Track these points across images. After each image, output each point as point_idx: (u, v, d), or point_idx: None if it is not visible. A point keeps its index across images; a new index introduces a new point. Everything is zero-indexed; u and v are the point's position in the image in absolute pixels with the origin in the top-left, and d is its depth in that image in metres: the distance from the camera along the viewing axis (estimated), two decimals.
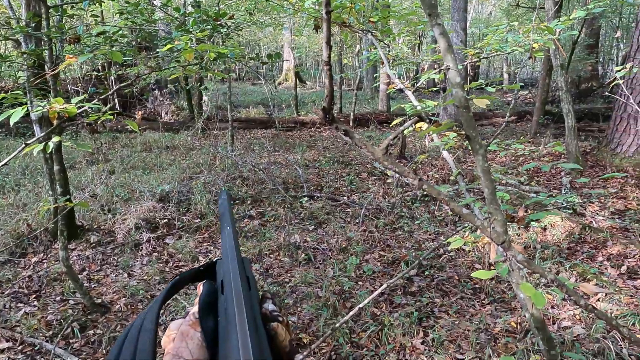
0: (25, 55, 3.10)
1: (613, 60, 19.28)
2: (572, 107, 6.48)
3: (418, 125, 1.75)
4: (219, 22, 2.39)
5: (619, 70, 2.92)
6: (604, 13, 14.32)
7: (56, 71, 1.55)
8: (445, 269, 3.77)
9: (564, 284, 0.97)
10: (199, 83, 9.01)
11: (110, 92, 1.86)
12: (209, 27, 2.48)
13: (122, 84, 2.10)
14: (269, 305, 0.62)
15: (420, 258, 2.60)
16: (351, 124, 11.09)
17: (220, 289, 0.57)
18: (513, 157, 7.51)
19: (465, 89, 1.09)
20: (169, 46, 1.80)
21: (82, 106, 1.35)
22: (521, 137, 9.03)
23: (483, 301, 3.32)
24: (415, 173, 1.08)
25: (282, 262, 3.99)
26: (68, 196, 3.24)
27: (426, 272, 3.70)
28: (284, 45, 22.64)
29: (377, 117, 11.21)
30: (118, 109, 11.60)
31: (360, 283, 3.61)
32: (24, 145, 1.39)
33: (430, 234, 4.54)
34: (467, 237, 1.66)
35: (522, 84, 19.37)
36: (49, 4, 2.73)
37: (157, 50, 3.61)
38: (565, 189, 5.75)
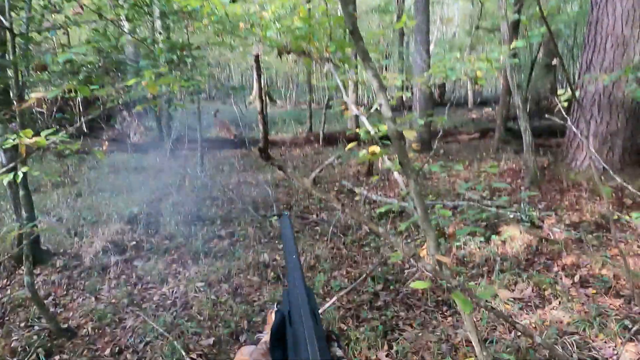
0: None
1: (571, 79, 20.21)
2: (529, 125, 6.80)
3: (371, 149, 1.88)
4: (185, 53, 2.49)
5: (562, 94, 3.16)
6: (559, 34, 15.10)
7: (23, 106, 1.61)
8: (409, 284, 3.90)
9: (469, 289, 1.10)
10: (167, 105, 9.01)
11: (77, 124, 1.92)
12: (175, 56, 2.58)
13: (89, 115, 2.17)
14: (337, 350, 0.66)
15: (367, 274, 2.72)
16: (321, 142, 11.27)
17: (289, 320, 0.60)
18: (476, 173, 7.79)
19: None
20: (134, 80, 1.88)
21: (52, 138, 1.42)
22: (484, 154, 9.38)
23: (445, 313, 3.45)
24: (338, 199, 1.20)
25: (252, 282, 4.05)
26: (34, 222, 3.23)
27: (391, 287, 3.83)
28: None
29: (346, 135, 11.42)
30: (85, 130, 11.45)
31: (327, 299, 3.69)
32: None
33: (395, 249, 4.67)
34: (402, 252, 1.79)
35: (486, 102, 20.00)
36: (15, 32, 2.78)
37: (124, 75, 3.67)
38: (523, 203, 6.01)
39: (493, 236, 4.86)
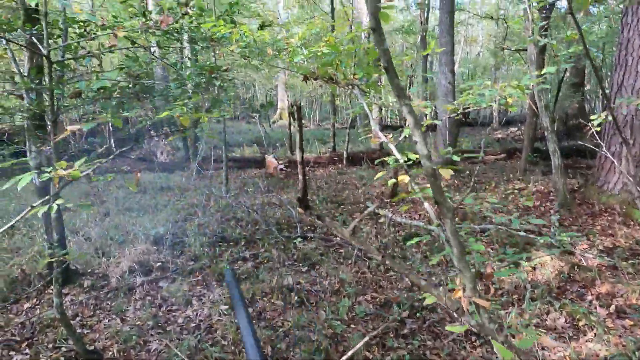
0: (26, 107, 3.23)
1: (599, 98, 19.80)
2: (557, 147, 6.65)
3: (401, 178, 1.85)
4: (213, 75, 2.53)
5: (595, 119, 3.08)
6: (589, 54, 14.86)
7: (58, 138, 1.65)
8: (437, 311, 3.81)
9: (509, 342, 1.05)
10: (194, 127, 9.20)
11: (111, 156, 1.95)
12: (204, 79, 2.62)
13: (124, 149, 2.21)
14: None
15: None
16: (344, 162, 11.27)
17: None
18: (503, 195, 7.63)
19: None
20: (166, 112, 1.92)
21: (85, 170, 1.45)
22: (510, 175, 9.21)
23: (474, 343, 3.35)
24: (379, 250, 1.17)
25: (275, 305, 4.01)
26: (66, 250, 3.29)
27: (418, 314, 3.74)
28: (278, 86, 23.15)
29: (370, 155, 11.39)
30: (114, 149, 11.74)
31: (352, 326, 3.63)
32: (30, 207, 1.48)
33: (422, 274, 4.59)
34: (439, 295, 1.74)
35: (511, 121, 19.73)
36: (52, 59, 2.87)
37: (153, 97, 3.75)
38: (554, 228, 5.84)
39: (523, 262, 4.72)
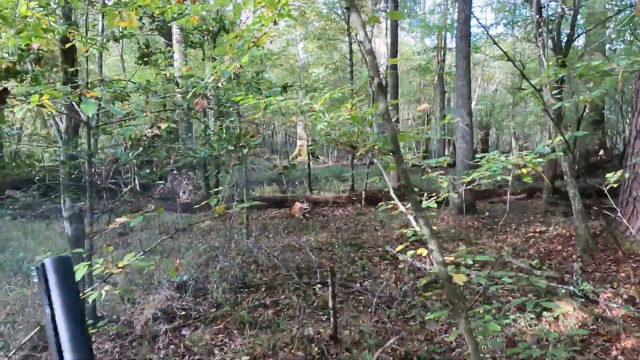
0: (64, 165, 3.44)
1: (620, 134, 19.65)
2: (577, 191, 6.65)
3: (419, 251, 1.94)
4: (241, 145, 2.69)
5: (612, 176, 3.13)
6: (608, 92, 14.87)
7: (106, 230, 1.80)
8: None
9: None
10: (216, 171, 9.45)
11: (137, 216, 2.09)
12: (231, 147, 2.78)
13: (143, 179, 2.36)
14: None
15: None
16: (363, 202, 11.34)
17: None
18: (524, 239, 7.59)
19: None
20: (211, 200, 2.07)
21: (130, 261, 1.58)
22: (531, 217, 9.15)
23: None
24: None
25: (296, 357, 4.05)
26: (100, 324, 3.43)
27: None
28: (298, 124, 23.57)
29: (388, 195, 11.44)
30: (138, 189, 12.06)
31: None
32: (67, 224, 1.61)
33: (442, 325, 4.58)
34: None
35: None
36: (91, 124, 3.08)
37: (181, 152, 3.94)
38: (576, 275, 5.77)
39: (544, 312, 4.68)
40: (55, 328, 0.59)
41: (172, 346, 4.33)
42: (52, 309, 0.62)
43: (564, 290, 5.19)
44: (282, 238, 7.99)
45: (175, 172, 12.82)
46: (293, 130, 24.50)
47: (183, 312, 4.86)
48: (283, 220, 9.61)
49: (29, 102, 1.56)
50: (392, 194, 2.29)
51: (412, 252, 1.80)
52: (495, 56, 15.31)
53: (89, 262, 1.59)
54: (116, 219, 1.65)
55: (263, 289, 5.58)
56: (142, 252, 1.87)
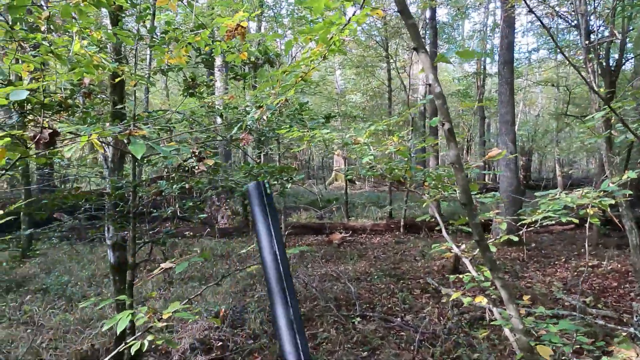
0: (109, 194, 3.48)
1: None
2: (634, 224, 6.24)
3: (478, 298, 1.80)
4: (285, 178, 2.64)
5: None
6: None
7: (152, 277, 1.77)
8: None
9: None
10: None
11: (182, 262, 2.04)
12: (275, 180, 2.73)
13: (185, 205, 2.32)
14: None
15: None
16: (402, 230, 11.10)
17: None
18: (575, 273, 7.17)
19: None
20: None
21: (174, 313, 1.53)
22: (581, 249, 8.68)
23: None
24: None
25: None
26: (139, 343, 3.40)
27: None
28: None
29: (428, 224, 11.18)
30: (178, 214, 12.26)
31: None
32: (124, 344, 1.57)
33: None
34: None
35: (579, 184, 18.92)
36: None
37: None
38: (637, 316, 5.36)
39: (604, 358, 4.33)
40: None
41: None
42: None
43: (624, 333, 4.81)
44: (319, 267, 7.87)
45: (214, 197, 12.99)
46: (330, 156, 24.54)
47: (220, 343, 4.78)
48: (320, 247, 9.50)
49: (79, 142, 1.55)
50: (444, 234, 2.16)
51: (468, 299, 1.67)
52: (538, 81, 14.92)
53: (132, 311, 1.54)
54: (161, 265, 1.62)
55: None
56: (186, 300, 1.82)
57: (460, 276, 2.01)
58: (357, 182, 25.79)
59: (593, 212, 2.05)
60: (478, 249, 1.69)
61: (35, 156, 1.64)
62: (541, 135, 19.78)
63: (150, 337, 1.58)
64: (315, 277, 6.88)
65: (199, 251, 8.99)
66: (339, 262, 8.19)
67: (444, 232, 2.17)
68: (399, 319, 5.49)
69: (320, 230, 11.21)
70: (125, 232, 3.75)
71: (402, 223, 11.21)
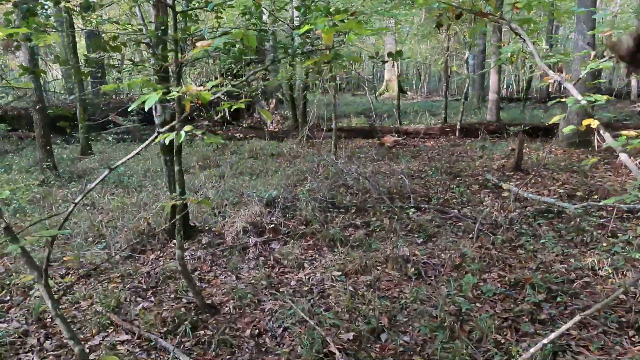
0: (152, 60, 3.26)
1: None
2: None
3: (586, 122, 1.46)
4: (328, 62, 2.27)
5: None
6: None
7: (184, 58, 1.52)
8: (581, 297, 3.29)
9: None
10: (304, 92, 9.11)
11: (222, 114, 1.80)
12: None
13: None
14: None
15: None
16: (457, 134, 10.56)
17: None
18: None
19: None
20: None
21: (217, 92, 1.28)
22: None
23: (632, 338, 2.81)
24: None
25: (391, 276, 3.77)
26: (186, 196, 3.33)
27: (558, 299, 3.25)
28: (386, 56, 22.46)
29: (486, 126, 10.53)
30: (228, 117, 12.22)
31: (478, 305, 3.26)
32: (157, 133, 1.36)
33: (557, 255, 4.02)
34: None
35: None
36: (176, 9, 2.81)
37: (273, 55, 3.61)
38: None
39: None
40: None
41: (261, 258, 4.24)
42: None
43: None
44: (371, 164, 7.64)
45: (263, 102, 12.77)
46: (379, 66, 23.42)
47: (272, 227, 4.75)
48: (372, 149, 9.21)
49: None
50: (539, 61, 1.76)
51: (572, 99, 1.31)
52: None
53: (163, 89, 1.30)
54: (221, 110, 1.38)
55: (353, 211, 5.32)
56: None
57: (563, 100, 1.65)
58: (408, 93, 24.72)
59: None
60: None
61: None
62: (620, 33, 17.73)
63: (187, 128, 1.36)
64: (368, 173, 6.65)
65: (248, 152, 8.95)
66: (392, 162, 7.90)
67: (539, 60, 1.77)
68: (456, 211, 5.23)
69: (372, 134, 10.84)
70: (172, 104, 3.57)
71: (458, 127, 10.62)
